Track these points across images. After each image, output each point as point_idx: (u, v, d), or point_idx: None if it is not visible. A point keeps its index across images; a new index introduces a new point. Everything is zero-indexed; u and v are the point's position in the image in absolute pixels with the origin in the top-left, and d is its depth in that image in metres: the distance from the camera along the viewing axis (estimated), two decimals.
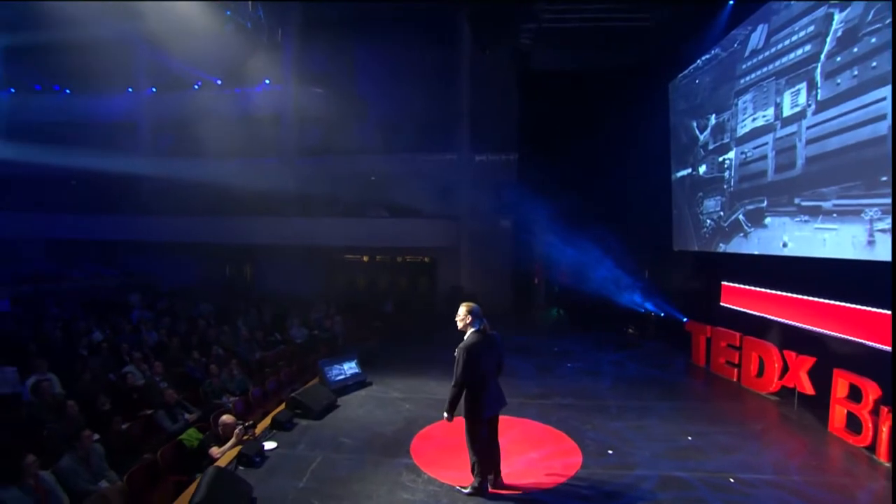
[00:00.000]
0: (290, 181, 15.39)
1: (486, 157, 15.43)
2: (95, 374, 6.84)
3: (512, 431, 5.39)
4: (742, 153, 7.77)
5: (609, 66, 11.64)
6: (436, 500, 4.27)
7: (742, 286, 8.05)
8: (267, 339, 9.54)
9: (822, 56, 5.84)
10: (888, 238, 4.94)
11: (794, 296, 6.70)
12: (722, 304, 8.51)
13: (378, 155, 15.47)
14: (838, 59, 5.58)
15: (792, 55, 6.43)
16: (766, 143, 7.06)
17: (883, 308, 5.12)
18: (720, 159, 8.46)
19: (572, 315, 12.86)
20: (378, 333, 11.08)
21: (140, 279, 15.90)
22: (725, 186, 8.31)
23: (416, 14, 14.14)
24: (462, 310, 4.30)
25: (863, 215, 5.32)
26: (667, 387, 7.65)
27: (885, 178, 4.95)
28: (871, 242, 5.21)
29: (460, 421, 4.25)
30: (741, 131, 7.77)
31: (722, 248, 8.46)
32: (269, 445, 5.21)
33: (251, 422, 5.31)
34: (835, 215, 5.76)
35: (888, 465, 4.87)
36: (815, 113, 6.02)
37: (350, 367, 7.44)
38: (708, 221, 8.97)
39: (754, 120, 7.38)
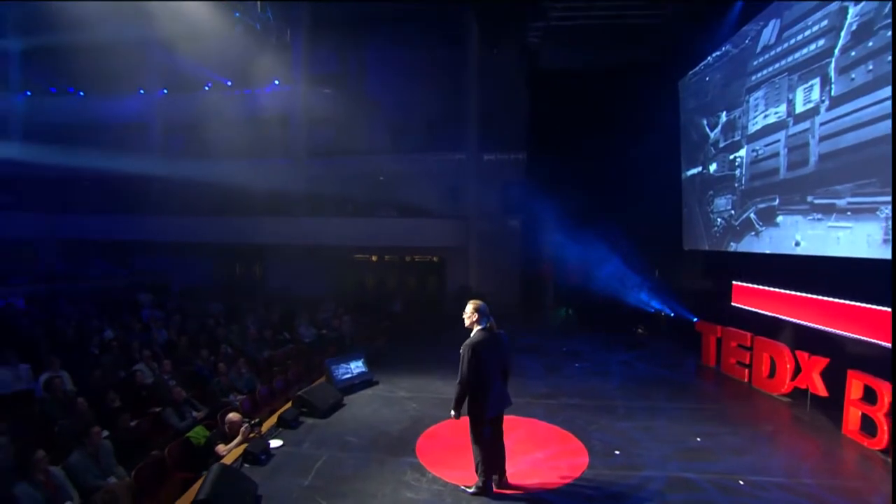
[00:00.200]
0: (299, 181, 15.53)
1: (494, 157, 15.45)
2: (106, 372, 6.95)
3: (518, 431, 5.36)
4: (753, 151, 7.66)
5: (618, 64, 11.53)
6: (440, 499, 4.25)
7: (753, 286, 7.92)
8: (275, 337, 9.58)
9: (837, 51, 5.73)
10: None
11: (807, 295, 6.58)
12: (733, 303, 8.39)
13: (387, 155, 15.55)
14: (853, 53, 5.47)
15: (805, 50, 6.31)
16: (779, 141, 6.94)
17: None
18: (731, 157, 8.34)
19: (581, 315, 12.76)
20: (386, 333, 11.09)
21: (151, 278, 16.12)
22: (736, 185, 8.19)
23: (425, 14, 14.18)
24: (469, 307, 4.30)
25: (878, 213, 5.21)
26: (676, 387, 7.54)
27: None
28: (886, 241, 5.10)
29: (466, 420, 4.23)
30: (752, 129, 7.65)
31: (733, 247, 8.35)
32: (275, 443, 5.22)
33: (257, 420, 5.35)
34: (849, 213, 5.64)
35: None
36: (828, 109, 5.90)
37: (357, 366, 7.44)
38: (719, 220, 8.85)
39: (766, 117, 7.26)
